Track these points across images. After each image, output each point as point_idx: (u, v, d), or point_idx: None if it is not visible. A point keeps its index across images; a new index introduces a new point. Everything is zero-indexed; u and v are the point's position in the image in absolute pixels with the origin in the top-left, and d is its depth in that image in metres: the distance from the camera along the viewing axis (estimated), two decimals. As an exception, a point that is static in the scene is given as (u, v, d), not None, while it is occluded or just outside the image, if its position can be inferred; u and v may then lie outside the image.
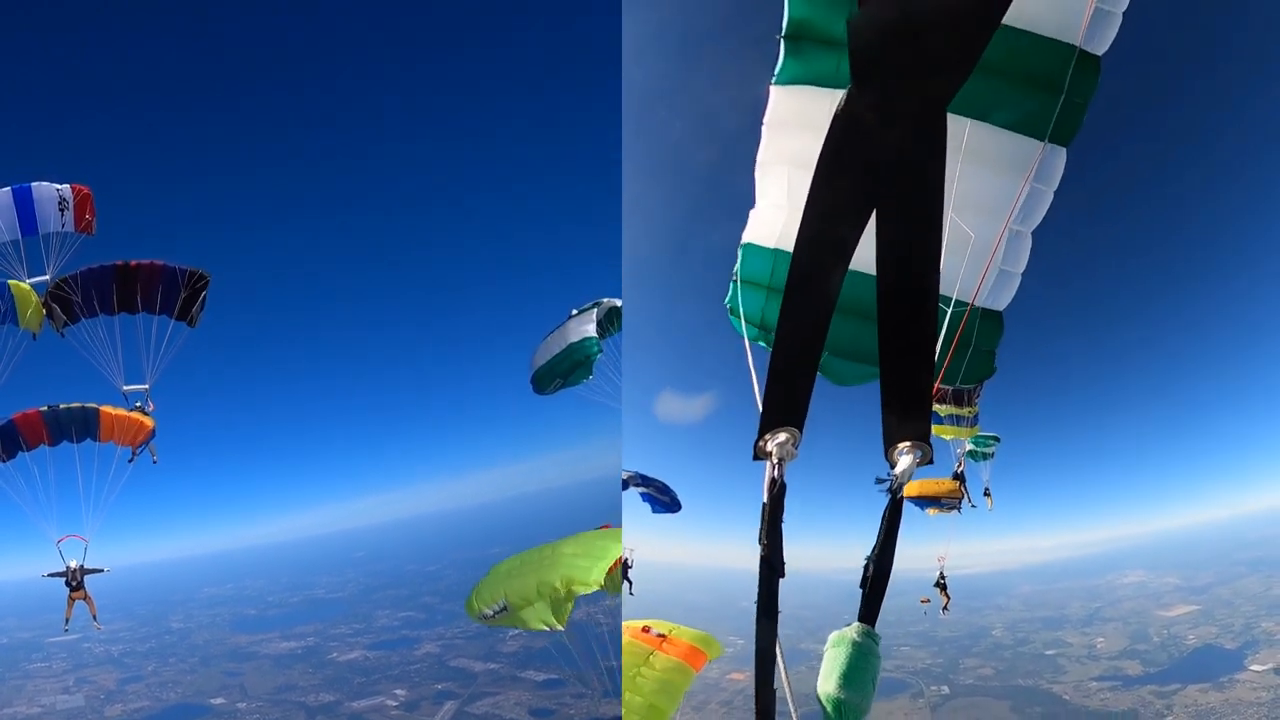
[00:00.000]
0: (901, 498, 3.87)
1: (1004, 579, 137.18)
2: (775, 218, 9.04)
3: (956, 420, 24.50)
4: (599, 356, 18.64)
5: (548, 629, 8.38)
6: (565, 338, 18.80)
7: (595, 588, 8.02)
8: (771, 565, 3.82)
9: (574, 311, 19.21)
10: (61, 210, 17.26)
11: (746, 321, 8.80)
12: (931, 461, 3.94)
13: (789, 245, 8.85)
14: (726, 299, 9.64)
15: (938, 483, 27.19)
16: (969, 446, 26.71)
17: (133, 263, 17.55)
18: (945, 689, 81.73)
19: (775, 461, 3.87)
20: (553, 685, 71.77)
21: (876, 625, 4.01)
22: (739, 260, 9.43)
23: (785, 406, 3.88)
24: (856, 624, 3.89)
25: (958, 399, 23.08)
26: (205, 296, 18.00)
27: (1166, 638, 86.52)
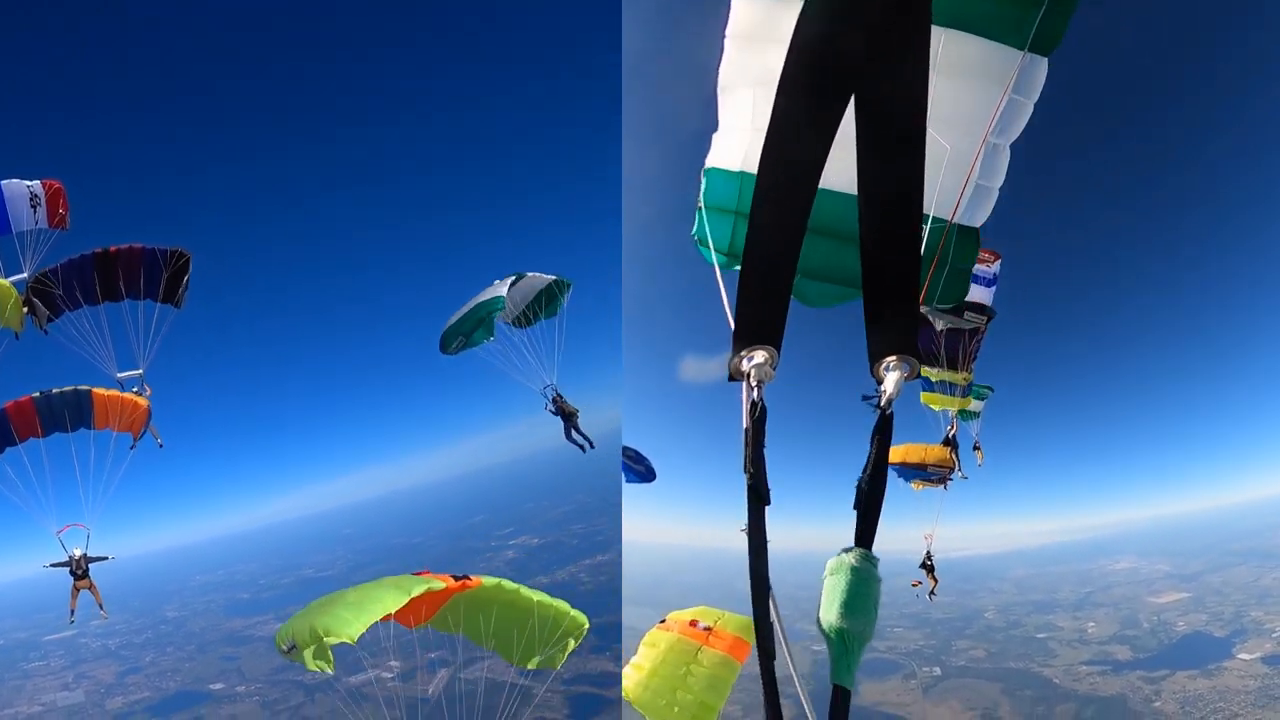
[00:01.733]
0: (891, 414, 3.73)
1: (997, 562, 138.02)
2: (740, 140, 8.59)
3: (949, 389, 22.91)
4: (500, 314, 18.40)
5: (320, 672, 8.43)
6: (476, 298, 18.73)
7: (350, 641, 8.21)
8: (758, 493, 3.67)
9: (496, 281, 19.21)
10: (34, 207, 16.93)
11: (715, 250, 8.35)
12: (919, 376, 3.76)
13: (754, 167, 8.57)
14: (693, 229, 9.16)
15: (925, 449, 24.96)
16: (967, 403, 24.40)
17: (111, 248, 17.28)
18: (937, 670, 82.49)
19: (754, 384, 3.71)
20: (541, 644, 72.54)
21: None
22: (702, 186, 8.96)
23: (760, 322, 3.69)
24: (854, 549, 3.69)
25: (951, 363, 21.35)
26: (189, 276, 17.73)
27: (1156, 624, 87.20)
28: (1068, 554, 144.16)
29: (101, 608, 18.98)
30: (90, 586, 18.60)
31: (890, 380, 3.64)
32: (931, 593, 27.93)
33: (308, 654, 8.20)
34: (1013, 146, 8.26)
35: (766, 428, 3.74)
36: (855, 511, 3.73)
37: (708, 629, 12.10)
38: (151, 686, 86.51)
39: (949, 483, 25.45)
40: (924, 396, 23.74)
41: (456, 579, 9.50)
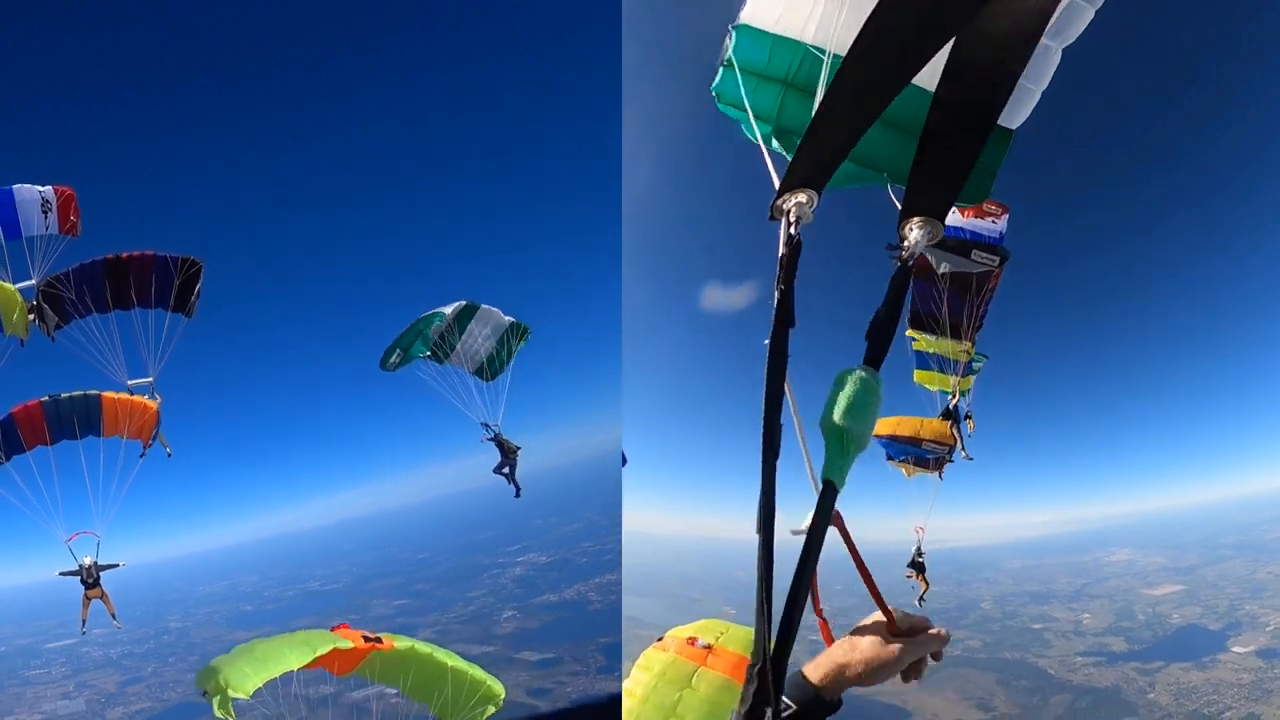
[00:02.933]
0: (911, 266, 3.84)
1: (994, 553, 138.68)
2: None
3: (950, 366, 20.72)
4: (440, 324, 18.63)
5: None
6: (419, 317, 18.99)
7: (245, 696, 8.65)
8: (786, 309, 3.77)
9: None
10: (44, 213, 16.81)
11: (741, 108, 8.00)
12: (940, 238, 3.88)
13: (790, 31, 7.92)
14: (714, 85, 8.76)
15: (921, 421, 22.25)
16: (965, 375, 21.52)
17: (123, 255, 17.24)
18: (933, 660, 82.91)
19: (792, 220, 3.86)
20: (548, 665, 72.51)
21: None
22: (731, 41, 8.41)
23: (812, 168, 3.82)
24: (864, 365, 3.77)
25: (955, 329, 19.45)
26: (200, 285, 17.65)
27: (1151, 616, 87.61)
28: (1064, 545, 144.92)
29: (115, 618, 18.80)
30: (102, 596, 18.39)
31: (912, 237, 3.80)
32: (921, 598, 25.90)
33: (214, 702, 8.63)
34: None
35: (799, 261, 3.81)
36: (867, 340, 3.89)
37: (707, 646, 11.34)
38: (153, 697, 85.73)
39: (948, 464, 22.92)
40: (917, 375, 21.80)
41: (367, 639, 9.94)
